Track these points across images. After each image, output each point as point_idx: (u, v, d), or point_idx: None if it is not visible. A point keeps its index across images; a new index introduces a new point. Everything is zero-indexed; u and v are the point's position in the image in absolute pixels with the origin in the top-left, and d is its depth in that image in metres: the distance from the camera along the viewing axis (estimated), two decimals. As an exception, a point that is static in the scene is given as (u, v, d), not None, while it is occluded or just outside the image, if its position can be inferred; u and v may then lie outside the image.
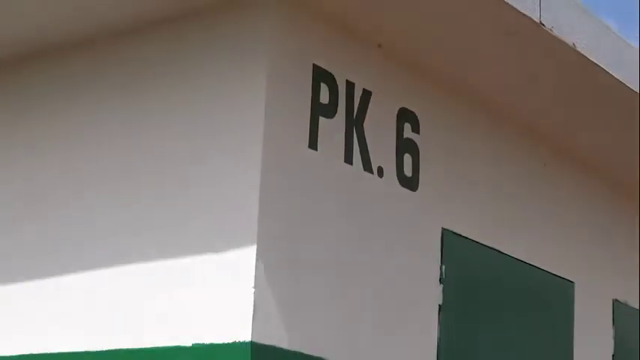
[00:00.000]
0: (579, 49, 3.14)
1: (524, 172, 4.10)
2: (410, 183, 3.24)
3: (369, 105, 3.11)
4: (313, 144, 2.89)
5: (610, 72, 3.34)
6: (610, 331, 4.47)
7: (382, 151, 3.15)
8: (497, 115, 3.84)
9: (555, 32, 3.00)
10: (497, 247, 3.76)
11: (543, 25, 2.93)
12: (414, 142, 3.27)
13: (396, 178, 3.19)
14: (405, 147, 3.24)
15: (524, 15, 2.88)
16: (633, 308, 4.65)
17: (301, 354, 2.87)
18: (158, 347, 3.01)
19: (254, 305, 2.71)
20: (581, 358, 4.19)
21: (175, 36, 3.17)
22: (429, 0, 2.93)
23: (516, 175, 4.04)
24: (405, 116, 3.27)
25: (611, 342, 4.47)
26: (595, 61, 3.26)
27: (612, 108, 3.70)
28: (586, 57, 3.18)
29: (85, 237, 3.29)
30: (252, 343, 2.63)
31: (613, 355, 4.48)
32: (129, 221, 3.13)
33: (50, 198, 3.46)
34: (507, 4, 2.82)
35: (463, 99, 3.65)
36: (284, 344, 2.82)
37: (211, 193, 2.94)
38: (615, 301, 4.48)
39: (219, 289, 2.89)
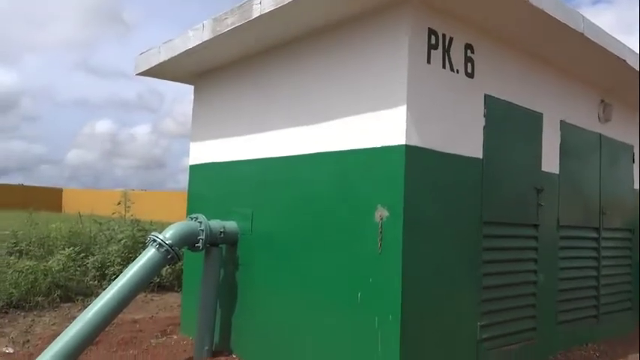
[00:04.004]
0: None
1: (526, 61, 4.70)
2: (470, 75, 4.11)
3: (452, 43, 3.96)
4: (428, 61, 3.78)
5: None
6: (558, 139, 5.24)
7: (458, 61, 4.00)
8: (506, 41, 4.46)
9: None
10: (512, 101, 4.53)
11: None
12: (472, 57, 4.12)
13: (464, 73, 4.06)
14: (468, 60, 4.08)
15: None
16: (571, 124, 5.41)
17: (432, 150, 3.73)
18: (360, 148, 3.84)
19: (406, 127, 3.56)
20: (546, 155, 5.00)
21: (364, 25, 3.93)
22: None
23: (521, 65, 4.66)
24: (468, 46, 4.10)
25: (559, 143, 5.27)
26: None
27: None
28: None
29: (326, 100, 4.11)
30: (405, 145, 3.56)
31: (560, 146, 5.21)
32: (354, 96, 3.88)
33: (316, 92, 4.22)
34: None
35: (493, 36, 4.33)
36: (420, 144, 3.66)
37: (387, 81, 3.71)
38: (561, 121, 5.28)
39: (389, 118, 3.65)
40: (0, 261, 7.75)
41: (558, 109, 5.24)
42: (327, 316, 4.03)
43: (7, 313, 6.77)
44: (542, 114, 4.97)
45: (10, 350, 5.36)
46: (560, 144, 5.26)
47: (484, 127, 4.27)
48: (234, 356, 4.87)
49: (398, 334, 3.49)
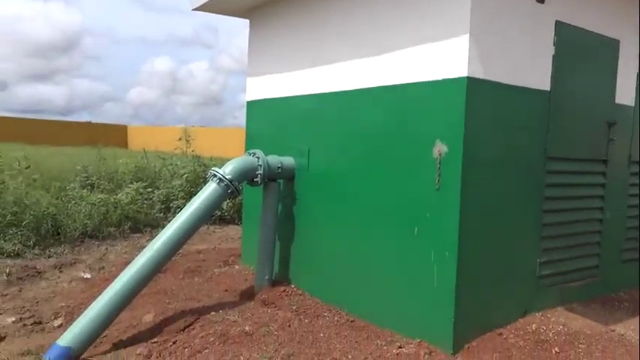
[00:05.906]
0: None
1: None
2: (541, 0, 3.85)
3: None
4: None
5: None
6: (636, 68, 4.86)
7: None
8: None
9: None
10: (585, 27, 4.22)
11: None
12: (543, -20, 3.92)
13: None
14: (538, -15, 3.90)
15: None
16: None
17: (495, 82, 3.56)
18: (419, 81, 3.74)
19: (468, 58, 3.39)
20: (621, 86, 4.69)
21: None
22: None
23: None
24: (540, -29, 3.88)
25: (637, 73, 4.90)
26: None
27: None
28: None
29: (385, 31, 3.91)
30: (467, 77, 3.39)
31: (638, 76, 4.85)
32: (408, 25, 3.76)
33: (364, 26, 4.08)
34: None
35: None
36: (482, 76, 3.50)
37: (448, 9, 3.49)
38: (641, 49, 4.84)
39: (450, 49, 3.48)
40: (74, 194, 8.32)
41: (637, 36, 4.87)
42: (382, 250, 4.10)
43: (82, 242, 7.35)
44: (618, 41, 4.64)
45: (88, 275, 5.89)
46: (639, 74, 4.92)
47: (553, 57, 4.05)
48: (292, 286, 5.09)
49: (454, 269, 3.52)
